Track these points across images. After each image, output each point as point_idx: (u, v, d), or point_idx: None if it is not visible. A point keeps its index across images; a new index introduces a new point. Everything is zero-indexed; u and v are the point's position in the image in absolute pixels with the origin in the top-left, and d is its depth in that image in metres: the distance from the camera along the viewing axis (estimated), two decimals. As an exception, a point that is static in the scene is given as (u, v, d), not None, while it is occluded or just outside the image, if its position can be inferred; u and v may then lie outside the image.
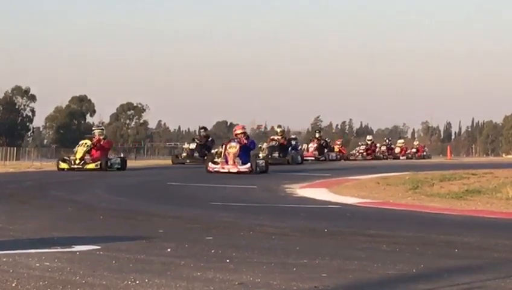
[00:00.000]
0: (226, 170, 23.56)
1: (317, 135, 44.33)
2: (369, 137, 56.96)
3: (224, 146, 24.87)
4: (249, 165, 23.71)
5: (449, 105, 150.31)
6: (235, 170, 23.51)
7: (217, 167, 23.90)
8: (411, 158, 57.07)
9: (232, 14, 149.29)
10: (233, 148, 24.18)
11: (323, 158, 41.83)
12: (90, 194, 15.09)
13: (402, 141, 63.90)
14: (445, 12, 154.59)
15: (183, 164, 33.15)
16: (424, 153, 62.01)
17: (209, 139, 35.33)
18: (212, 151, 29.77)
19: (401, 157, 56.43)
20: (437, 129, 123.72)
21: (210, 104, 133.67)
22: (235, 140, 24.62)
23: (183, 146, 36.17)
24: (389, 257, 6.67)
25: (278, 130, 37.35)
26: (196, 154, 34.26)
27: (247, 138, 25.41)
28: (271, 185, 18.52)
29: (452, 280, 5.50)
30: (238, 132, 25.03)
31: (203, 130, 36.62)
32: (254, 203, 13.37)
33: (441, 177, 20.26)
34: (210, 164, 24.17)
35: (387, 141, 58.22)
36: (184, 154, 35.03)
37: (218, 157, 24.76)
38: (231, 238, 8.14)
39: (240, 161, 23.87)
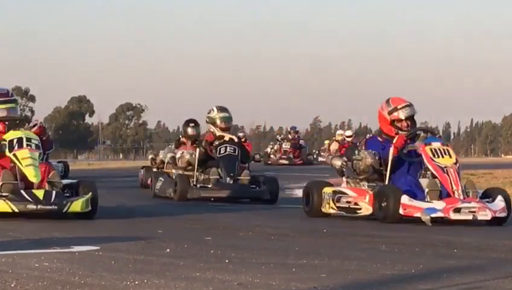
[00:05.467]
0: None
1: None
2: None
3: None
4: None
5: (448, 105, 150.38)
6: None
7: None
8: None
9: (230, 14, 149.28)
10: None
11: None
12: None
13: (341, 132, 40.28)
14: (445, 12, 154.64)
15: None
16: None
17: None
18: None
19: (320, 159, 36.15)
20: (436, 129, 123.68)
21: (209, 105, 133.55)
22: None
23: None
24: (388, 257, 6.67)
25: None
26: None
27: None
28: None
29: (451, 280, 5.50)
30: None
31: None
32: (253, 203, 13.36)
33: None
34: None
35: (292, 133, 36.97)
36: None
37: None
38: (230, 239, 8.14)
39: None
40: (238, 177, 13.68)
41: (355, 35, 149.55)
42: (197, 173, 13.86)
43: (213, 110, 14.63)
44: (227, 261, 6.31)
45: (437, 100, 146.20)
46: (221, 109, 14.62)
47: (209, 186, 13.61)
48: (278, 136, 38.78)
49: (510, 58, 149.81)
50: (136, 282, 5.27)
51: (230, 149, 13.91)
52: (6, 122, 10.28)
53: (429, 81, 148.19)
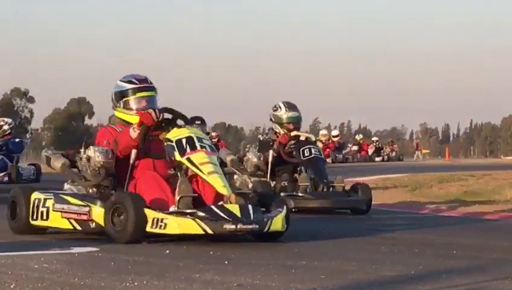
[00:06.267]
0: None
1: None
2: None
3: None
4: None
5: (447, 106, 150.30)
6: None
7: None
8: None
9: (230, 14, 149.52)
10: None
11: None
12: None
13: (325, 132, 40.12)
14: (444, 13, 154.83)
15: None
16: (391, 153, 43.18)
17: None
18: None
19: None
20: (435, 131, 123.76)
21: (208, 105, 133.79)
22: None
23: None
24: (387, 258, 6.67)
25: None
26: None
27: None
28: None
29: (451, 281, 5.50)
30: None
31: None
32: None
33: (439, 178, 20.27)
34: None
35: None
36: None
37: None
38: (230, 239, 8.13)
39: None
40: (332, 184, 11.66)
41: (355, 35, 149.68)
42: (269, 179, 11.74)
43: (280, 107, 12.42)
44: (226, 262, 6.31)
45: (437, 101, 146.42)
46: (290, 107, 12.40)
47: (300, 194, 11.39)
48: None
49: (510, 59, 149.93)
50: (136, 283, 5.26)
51: (316, 151, 11.92)
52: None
53: (429, 82, 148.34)
